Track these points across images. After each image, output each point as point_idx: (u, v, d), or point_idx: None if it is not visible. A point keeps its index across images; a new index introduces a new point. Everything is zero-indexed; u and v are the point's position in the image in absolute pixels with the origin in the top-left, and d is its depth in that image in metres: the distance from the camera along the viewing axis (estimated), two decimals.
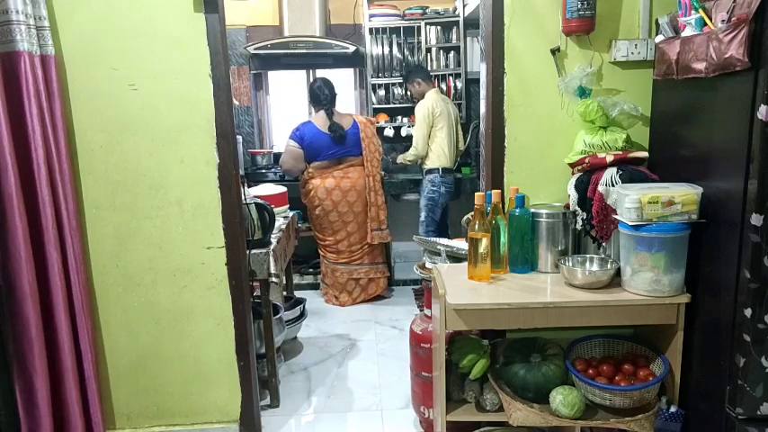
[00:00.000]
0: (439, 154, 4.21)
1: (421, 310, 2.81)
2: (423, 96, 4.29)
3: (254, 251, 2.60)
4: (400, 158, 4.39)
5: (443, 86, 4.74)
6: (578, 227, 2.07)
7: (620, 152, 2.01)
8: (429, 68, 4.70)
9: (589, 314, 1.87)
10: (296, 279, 4.44)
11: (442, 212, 4.39)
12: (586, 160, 2.04)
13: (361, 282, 4.23)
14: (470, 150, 4.68)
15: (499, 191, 2.08)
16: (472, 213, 2.01)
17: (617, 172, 1.95)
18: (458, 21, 4.69)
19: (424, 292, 2.51)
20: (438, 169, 4.22)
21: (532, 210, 2.08)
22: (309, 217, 4.23)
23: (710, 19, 1.67)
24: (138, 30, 2.16)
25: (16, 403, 2.15)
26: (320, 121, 4.03)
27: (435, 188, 4.24)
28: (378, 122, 4.61)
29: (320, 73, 4.95)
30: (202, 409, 2.48)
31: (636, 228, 1.79)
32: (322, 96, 4.02)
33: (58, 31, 2.14)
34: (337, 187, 4.02)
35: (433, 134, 4.20)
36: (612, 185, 1.93)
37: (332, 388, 3.03)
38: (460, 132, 4.42)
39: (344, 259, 4.18)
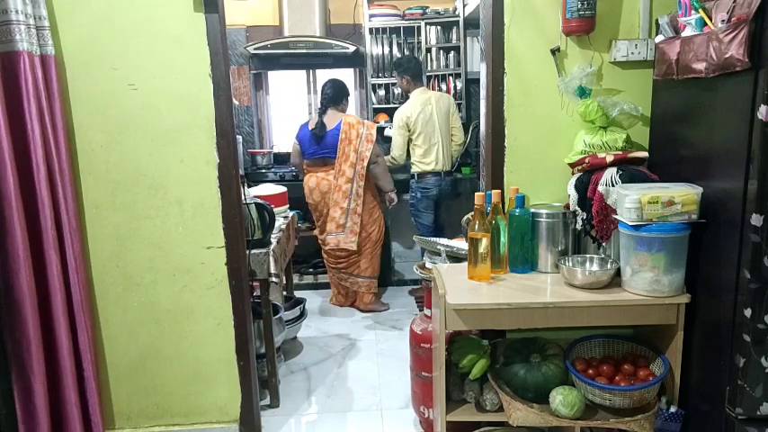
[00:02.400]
0: (417, 160, 4.13)
1: (421, 310, 2.81)
2: (408, 93, 4.20)
3: (254, 251, 2.60)
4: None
5: (443, 86, 4.72)
6: (578, 227, 2.07)
7: (620, 152, 2.01)
8: (429, 68, 4.67)
9: (589, 314, 1.87)
10: (296, 279, 4.44)
11: (435, 214, 4.31)
12: (586, 160, 2.03)
13: (349, 293, 4.20)
14: (470, 150, 4.67)
15: (499, 191, 2.08)
16: (472, 213, 2.02)
17: (617, 172, 1.95)
18: (458, 21, 4.68)
19: (423, 292, 2.51)
20: (414, 175, 4.18)
21: (532, 210, 2.08)
22: None
23: (710, 19, 1.67)
24: (138, 30, 2.16)
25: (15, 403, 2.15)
26: (313, 120, 4.03)
27: (413, 193, 4.21)
28: (378, 123, 4.59)
29: (320, 73, 4.95)
30: (202, 409, 2.48)
31: (636, 228, 1.79)
32: (322, 95, 4.02)
33: (58, 31, 2.14)
34: (317, 188, 3.98)
35: (412, 142, 4.11)
36: (612, 185, 1.93)
37: (332, 388, 3.03)
38: (457, 126, 4.23)
39: (332, 263, 4.14)
